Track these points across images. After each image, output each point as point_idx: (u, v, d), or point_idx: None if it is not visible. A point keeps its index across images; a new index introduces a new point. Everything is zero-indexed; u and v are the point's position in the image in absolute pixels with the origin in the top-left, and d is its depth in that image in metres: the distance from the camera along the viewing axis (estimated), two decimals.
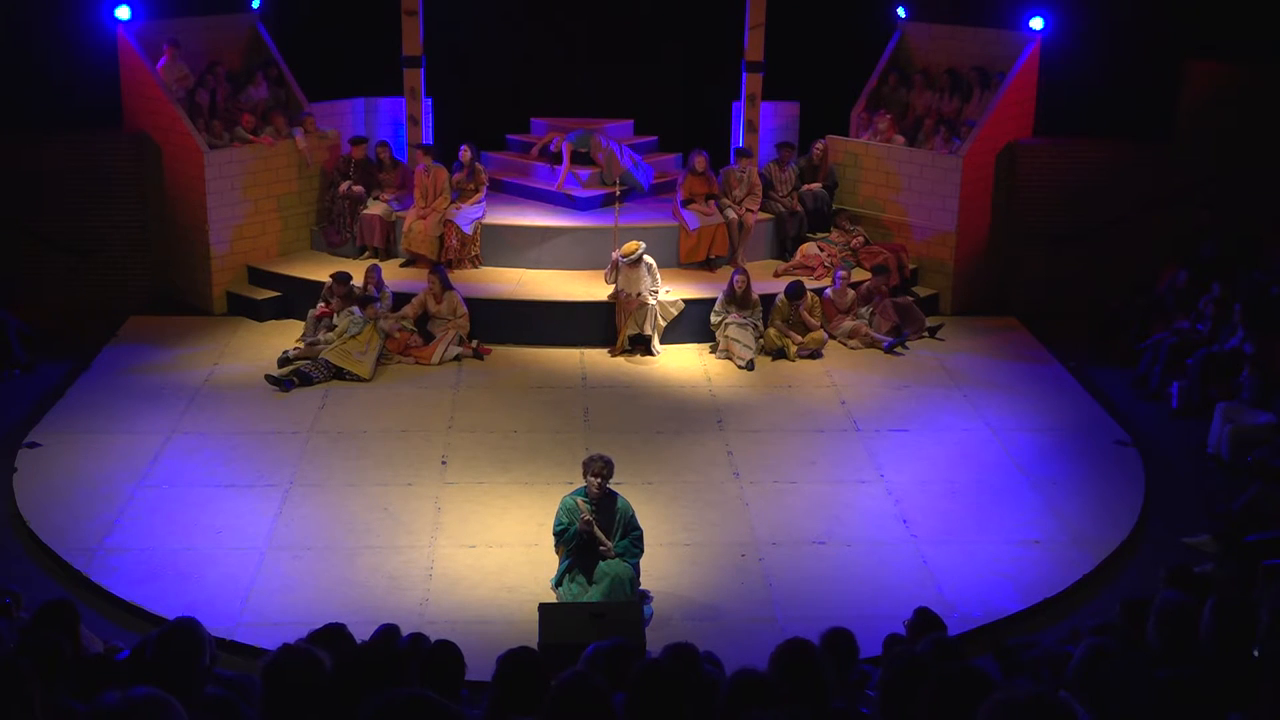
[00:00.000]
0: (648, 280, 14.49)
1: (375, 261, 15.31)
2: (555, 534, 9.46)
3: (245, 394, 13.34)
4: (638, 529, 9.48)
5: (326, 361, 13.68)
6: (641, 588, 9.49)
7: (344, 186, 16.02)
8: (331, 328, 14.09)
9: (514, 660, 4.80)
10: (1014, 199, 16.24)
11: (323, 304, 14.41)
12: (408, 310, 14.41)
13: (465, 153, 15.84)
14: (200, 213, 15.39)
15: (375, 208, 15.98)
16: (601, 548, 9.29)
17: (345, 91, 17.27)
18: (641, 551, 9.47)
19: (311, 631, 6.56)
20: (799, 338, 14.47)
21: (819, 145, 16.60)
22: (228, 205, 15.51)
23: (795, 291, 14.55)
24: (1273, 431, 11.73)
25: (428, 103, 16.77)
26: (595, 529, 9.27)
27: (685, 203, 15.75)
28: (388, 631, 7.01)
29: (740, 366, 14.18)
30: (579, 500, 9.38)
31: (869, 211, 16.49)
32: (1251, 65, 15.76)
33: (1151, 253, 15.59)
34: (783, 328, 14.48)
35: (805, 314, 14.54)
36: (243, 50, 16.72)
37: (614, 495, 9.49)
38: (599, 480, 9.30)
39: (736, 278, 14.50)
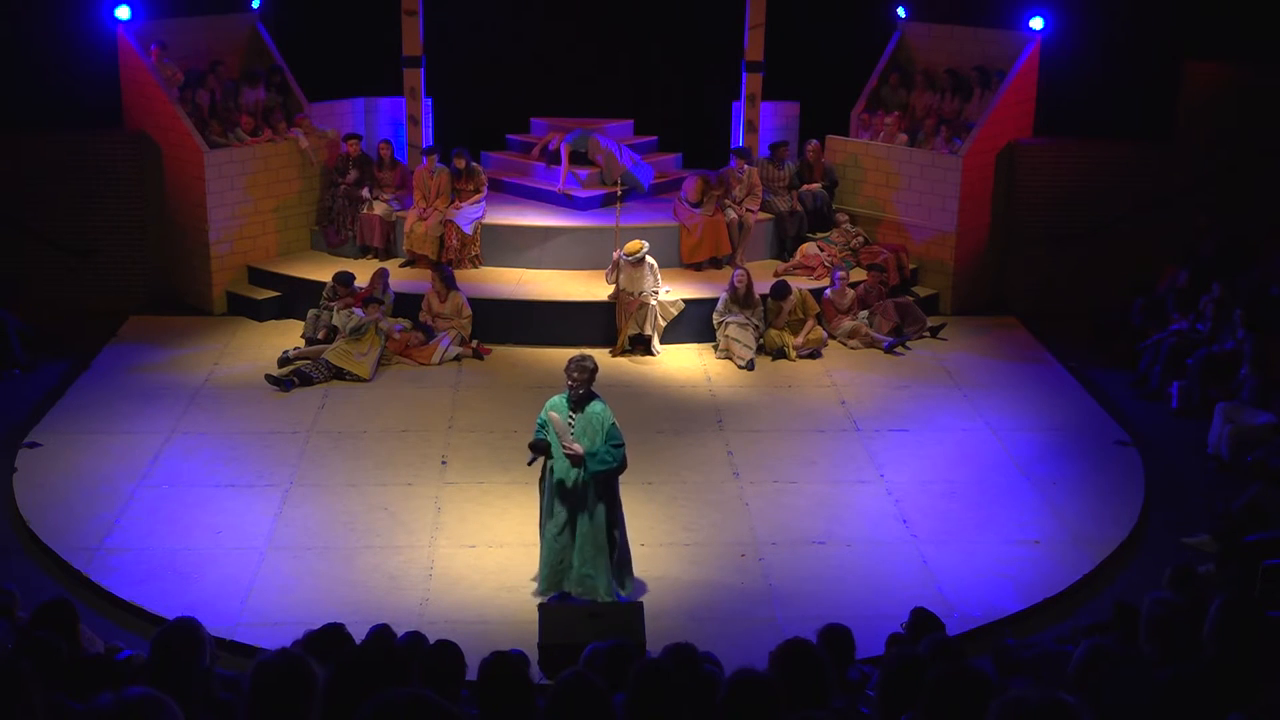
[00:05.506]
0: (650, 280, 14.49)
1: (382, 265, 15.27)
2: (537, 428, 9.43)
3: (245, 394, 13.34)
4: (619, 440, 9.25)
5: (327, 361, 13.68)
6: (623, 593, 9.48)
7: (350, 177, 15.98)
8: (331, 326, 14.10)
9: (495, 665, 4.78)
10: (1014, 199, 16.24)
11: (325, 301, 14.43)
12: (421, 316, 14.40)
13: (459, 159, 15.77)
14: (200, 213, 15.39)
15: (375, 208, 15.97)
16: (567, 452, 9.15)
17: (345, 91, 17.27)
18: (617, 463, 9.23)
19: (310, 632, 6.55)
20: (798, 339, 14.47)
21: (811, 145, 16.59)
22: (228, 205, 15.50)
23: (779, 292, 14.59)
24: (1273, 431, 11.72)
25: (428, 103, 16.78)
26: (564, 436, 9.13)
27: (693, 204, 15.73)
28: (382, 632, 6.99)
29: (740, 366, 14.18)
30: (559, 403, 9.31)
31: (869, 211, 16.49)
32: (1251, 65, 15.75)
33: (1151, 253, 15.59)
34: (780, 325, 14.49)
35: (795, 310, 14.52)
36: (243, 50, 16.71)
37: (593, 396, 9.32)
38: (578, 380, 9.18)
39: (737, 276, 14.50)
